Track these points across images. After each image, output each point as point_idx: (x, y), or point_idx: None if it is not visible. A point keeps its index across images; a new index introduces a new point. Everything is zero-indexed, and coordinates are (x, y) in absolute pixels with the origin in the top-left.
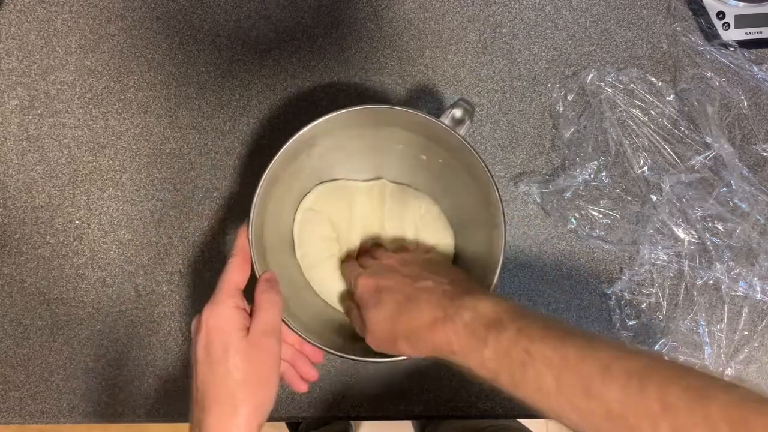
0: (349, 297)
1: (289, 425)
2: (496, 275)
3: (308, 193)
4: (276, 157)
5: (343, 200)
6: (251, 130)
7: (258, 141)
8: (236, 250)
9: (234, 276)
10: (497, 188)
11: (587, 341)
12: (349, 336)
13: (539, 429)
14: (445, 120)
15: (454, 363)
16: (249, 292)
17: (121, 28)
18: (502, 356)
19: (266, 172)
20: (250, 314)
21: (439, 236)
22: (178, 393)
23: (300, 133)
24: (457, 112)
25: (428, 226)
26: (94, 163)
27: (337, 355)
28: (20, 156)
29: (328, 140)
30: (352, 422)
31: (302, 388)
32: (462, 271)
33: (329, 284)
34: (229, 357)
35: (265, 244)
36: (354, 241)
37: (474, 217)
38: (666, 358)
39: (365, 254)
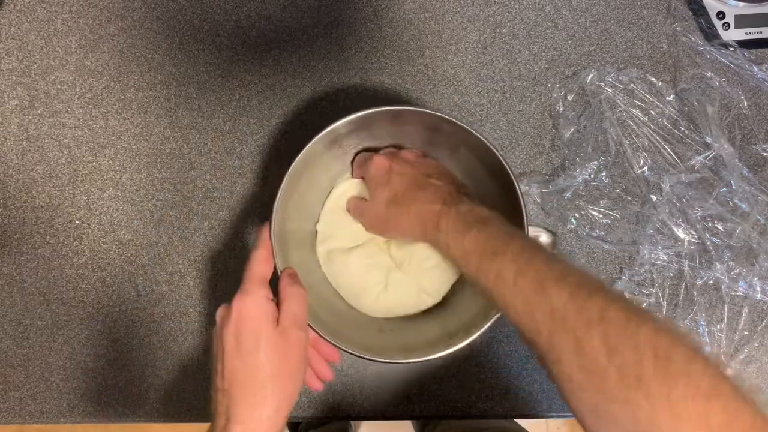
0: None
1: (289, 425)
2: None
3: (336, 186)
4: (299, 155)
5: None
6: (251, 130)
7: (258, 141)
8: (259, 243)
9: (260, 267)
10: (518, 185)
11: (556, 256)
12: (365, 335)
13: (539, 429)
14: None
15: (434, 244)
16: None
17: (121, 28)
18: (479, 241)
19: (290, 168)
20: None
21: None
22: (178, 393)
23: (326, 131)
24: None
25: None
26: (94, 163)
27: (354, 354)
28: (20, 156)
29: (352, 138)
30: (352, 422)
31: (317, 386)
32: (469, 190)
33: (348, 278)
34: (260, 348)
35: (286, 239)
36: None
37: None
38: (614, 290)
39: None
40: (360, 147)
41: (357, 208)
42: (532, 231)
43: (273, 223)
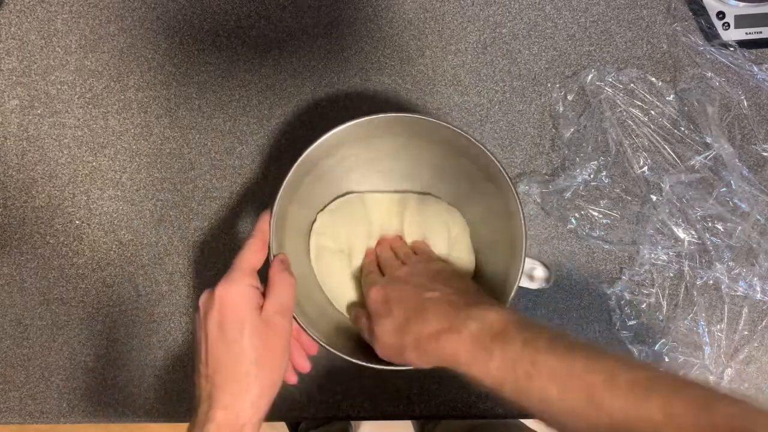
0: (358, 305)
1: (289, 425)
2: (517, 281)
3: (326, 206)
4: (303, 155)
5: (358, 214)
6: (251, 130)
7: (258, 141)
8: (256, 232)
9: (251, 256)
10: (517, 196)
11: (592, 353)
12: (351, 337)
13: (539, 429)
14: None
15: (460, 372)
16: (262, 274)
17: (121, 28)
18: (508, 368)
19: (296, 162)
20: (263, 294)
21: (462, 254)
22: (178, 393)
23: (325, 136)
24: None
25: (456, 244)
26: (94, 163)
27: (338, 354)
28: (20, 156)
29: (353, 146)
30: (352, 422)
31: (292, 378)
32: (471, 282)
33: (340, 290)
34: (244, 335)
35: (285, 225)
36: (371, 246)
37: (495, 224)
38: (670, 371)
39: (384, 242)
40: (356, 154)
41: (368, 338)
42: (528, 263)
43: (276, 206)
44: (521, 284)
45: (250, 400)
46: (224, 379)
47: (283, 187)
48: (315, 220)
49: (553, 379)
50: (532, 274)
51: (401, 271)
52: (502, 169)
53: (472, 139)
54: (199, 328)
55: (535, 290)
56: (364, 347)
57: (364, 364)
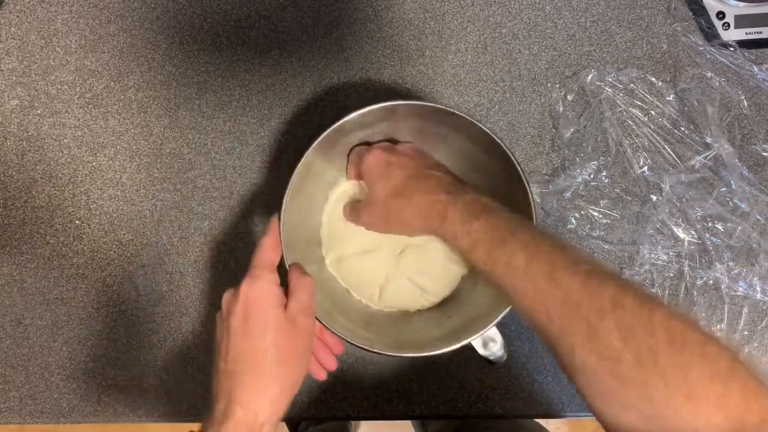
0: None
1: (289, 425)
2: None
3: (331, 194)
4: (309, 150)
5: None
6: (251, 130)
7: (258, 141)
8: (269, 232)
9: (269, 253)
10: (527, 181)
11: (563, 242)
12: (372, 328)
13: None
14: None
15: (440, 235)
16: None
17: (121, 28)
18: (487, 229)
19: (302, 159)
20: (285, 294)
21: None
22: (178, 393)
23: (335, 125)
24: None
25: None
26: (94, 163)
27: (358, 346)
28: (20, 156)
29: (359, 134)
30: (352, 422)
31: (321, 375)
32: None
33: (356, 274)
34: (267, 332)
35: (294, 232)
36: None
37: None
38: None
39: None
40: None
41: (354, 211)
42: (491, 331)
43: (282, 215)
44: (476, 347)
45: (269, 399)
46: (245, 375)
47: (288, 190)
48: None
49: (523, 249)
50: (488, 344)
51: (404, 147)
52: (504, 146)
53: (493, 135)
54: (221, 324)
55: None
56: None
57: (384, 353)
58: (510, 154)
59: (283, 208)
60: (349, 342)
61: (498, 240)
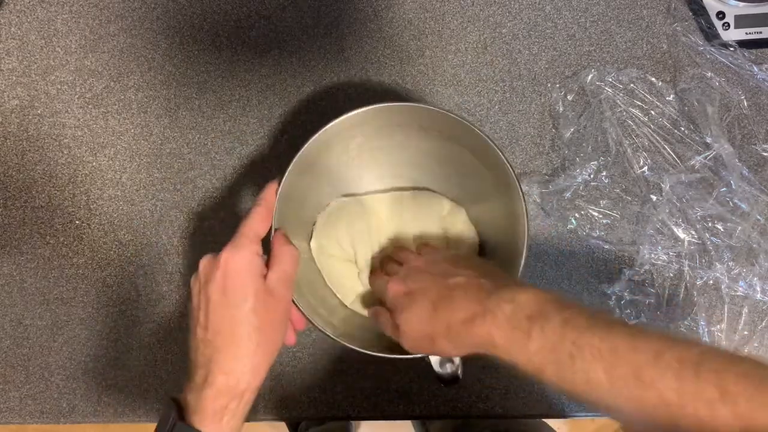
0: (379, 303)
1: (289, 425)
2: (521, 266)
3: (325, 208)
4: (307, 143)
5: (359, 217)
6: (251, 130)
7: (258, 141)
8: (260, 201)
9: (256, 225)
10: (520, 185)
11: (635, 330)
12: (353, 325)
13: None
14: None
15: (497, 357)
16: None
17: (121, 28)
18: (548, 349)
19: (299, 153)
20: (266, 264)
21: (464, 233)
22: (178, 393)
23: (332, 123)
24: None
25: (454, 225)
26: (94, 163)
27: (333, 338)
28: (20, 156)
29: (356, 135)
30: (352, 422)
31: (292, 340)
32: (491, 264)
33: (341, 280)
34: (248, 301)
35: (288, 208)
36: (375, 250)
37: (496, 213)
38: (718, 347)
39: (390, 261)
40: (362, 143)
41: (392, 334)
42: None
43: (281, 184)
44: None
45: (250, 366)
46: (225, 343)
47: (293, 162)
48: (315, 222)
49: (597, 359)
50: (445, 363)
51: (418, 262)
52: (509, 166)
53: (482, 133)
54: (200, 292)
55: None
56: (364, 336)
57: (359, 349)
58: (506, 163)
59: (283, 180)
60: (327, 335)
61: (566, 358)
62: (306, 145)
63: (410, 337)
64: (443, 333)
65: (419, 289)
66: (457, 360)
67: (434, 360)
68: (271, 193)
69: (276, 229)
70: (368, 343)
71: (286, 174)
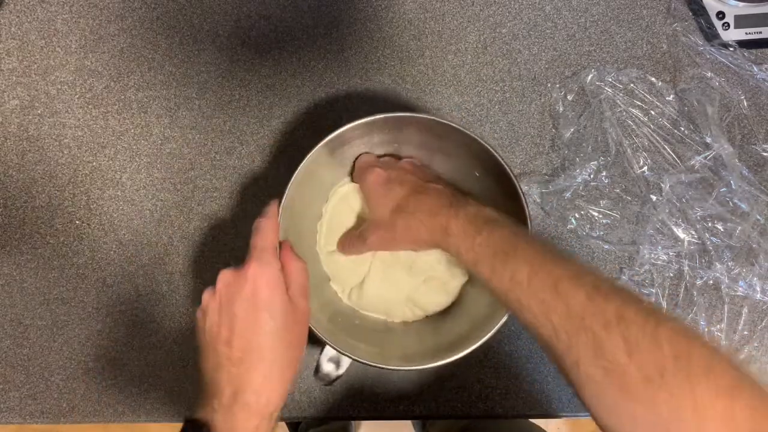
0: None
1: (289, 425)
2: None
3: (340, 185)
4: (305, 159)
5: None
6: (251, 130)
7: (258, 141)
8: (269, 214)
9: (272, 237)
10: (519, 185)
11: (566, 255)
12: (366, 337)
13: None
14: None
15: (444, 248)
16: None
17: (121, 28)
18: (491, 243)
19: (295, 173)
20: None
21: None
22: (178, 393)
23: (335, 133)
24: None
25: None
26: (94, 163)
27: (354, 359)
28: (20, 156)
29: (362, 143)
30: (352, 422)
31: None
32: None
33: (347, 276)
34: (277, 318)
35: (289, 222)
36: None
37: None
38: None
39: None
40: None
41: (355, 237)
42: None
43: (283, 200)
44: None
45: (279, 384)
46: (255, 360)
47: (294, 175)
48: (319, 229)
49: (527, 263)
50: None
51: (403, 163)
52: (506, 166)
53: (473, 134)
54: (221, 308)
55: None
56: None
57: (388, 368)
58: (510, 172)
59: (285, 194)
60: (347, 355)
61: (501, 254)
62: (307, 157)
63: (376, 224)
64: (406, 219)
65: (400, 179)
66: (344, 364)
67: (324, 357)
68: (274, 207)
69: (282, 242)
70: (370, 349)
71: (289, 186)
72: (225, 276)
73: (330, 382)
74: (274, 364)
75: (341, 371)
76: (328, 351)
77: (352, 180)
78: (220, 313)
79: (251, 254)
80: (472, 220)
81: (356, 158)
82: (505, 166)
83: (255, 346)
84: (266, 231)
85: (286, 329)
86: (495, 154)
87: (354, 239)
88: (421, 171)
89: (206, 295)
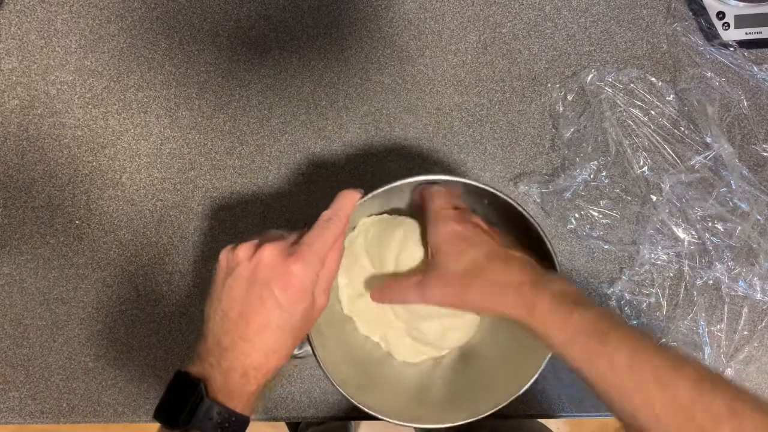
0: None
1: (289, 425)
2: None
3: (354, 227)
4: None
5: (388, 232)
6: (251, 130)
7: (258, 141)
8: (339, 213)
9: (331, 242)
10: (551, 246)
11: (657, 343)
12: (386, 385)
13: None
14: None
15: (523, 324)
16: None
17: (120, 28)
18: (585, 325)
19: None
20: None
21: None
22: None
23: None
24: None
25: None
26: (94, 163)
27: (376, 416)
28: (20, 156)
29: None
30: (352, 422)
31: None
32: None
33: (370, 314)
34: (297, 313)
35: None
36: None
37: None
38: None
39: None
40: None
41: (411, 287)
42: None
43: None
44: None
45: (274, 366)
46: (262, 343)
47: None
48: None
49: (625, 348)
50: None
51: (478, 220)
52: (541, 231)
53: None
54: (251, 284)
55: None
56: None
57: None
58: (545, 238)
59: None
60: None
61: (597, 338)
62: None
63: (442, 276)
64: (484, 285)
65: (477, 242)
66: (306, 349)
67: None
68: (350, 203)
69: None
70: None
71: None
72: (272, 251)
73: (303, 356)
74: (277, 350)
75: (301, 353)
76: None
77: (412, 211)
78: (248, 286)
79: (302, 248)
80: (561, 298)
81: (417, 188)
82: (540, 231)
83: (266, 332)
84: (328, 234)
85: (297, 329)
86: (531, 220)
87: (408, 288)
88: (495, 233)
89: (245, 248)
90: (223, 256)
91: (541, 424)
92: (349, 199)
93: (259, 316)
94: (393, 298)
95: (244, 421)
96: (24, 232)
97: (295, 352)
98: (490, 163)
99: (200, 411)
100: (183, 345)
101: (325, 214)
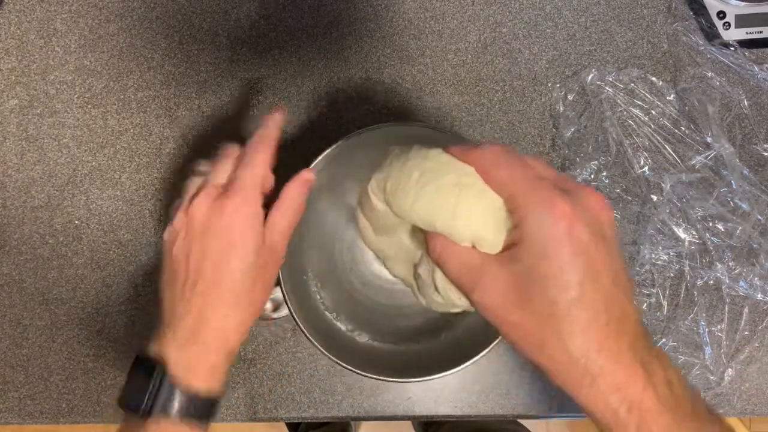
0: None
1: (289, 425)
2: None
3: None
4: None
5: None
6: (251, 130)
7: None
8: (264, 138)
9: (262, 171)
10: None
11: None
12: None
13: (540, 429)
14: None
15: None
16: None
17: (120, 28)
18: None
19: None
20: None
21: None
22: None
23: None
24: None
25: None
26: (94, 163)
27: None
28: (19, 156)
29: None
30: (352, 422)
31: None
32: None
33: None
34: (249, 257)
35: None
36: None
37: None
38: None
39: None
40: None
41: (473, 274)
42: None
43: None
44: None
45: (240, 324)
46: (219, 298)
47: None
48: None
49: None
50: (279, 305)
51: (596, 198)
52: None
53: None
54: (193, 238)
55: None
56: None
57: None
58: None
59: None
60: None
61: None
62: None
63: (552, 303)
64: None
65: (597, 244)
66: (282, 311)
67: (268, 306)
68: (275, 126)
69: (303, 172)
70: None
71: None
72: (201, 203)
73: (264, 318)
74: (237, 304)
75: (276, 316)
76: (276, 291)
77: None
78: (191, 241)
79: (234, 185)
80: (670, 402)
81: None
82: None
83: (220, 282)
84: (255, 161)
85: (256, 270)
86: None
87: (466, 266)
88: (621, 258)
89: (179, 218)
90: (165, 237)
91: (524, 426)
92: (271, 122)
93: (207, 267)
94: (442, 258)
95: (210, 402)
96: (23, 232)
97: (272, 315)
98: None
99: (160, 396)
100: None
101: (251, 142)
